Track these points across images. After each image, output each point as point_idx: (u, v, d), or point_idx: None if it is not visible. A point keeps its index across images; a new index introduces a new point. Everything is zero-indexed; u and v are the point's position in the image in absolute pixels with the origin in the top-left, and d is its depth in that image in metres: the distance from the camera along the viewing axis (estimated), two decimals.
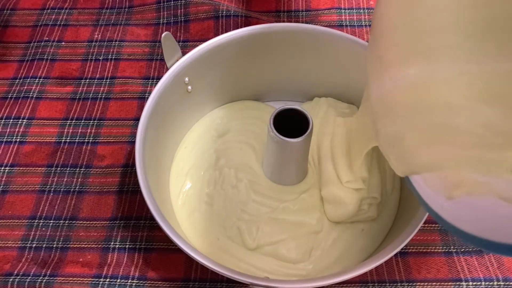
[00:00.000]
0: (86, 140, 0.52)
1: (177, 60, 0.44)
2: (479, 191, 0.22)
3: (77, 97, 0.55)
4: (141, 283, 0.42)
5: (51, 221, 0.46)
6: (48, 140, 0.52)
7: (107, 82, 0.56)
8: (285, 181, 0.45)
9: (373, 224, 0.43)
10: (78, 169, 0.50)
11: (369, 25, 0.59)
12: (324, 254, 0.42)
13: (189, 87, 0.46)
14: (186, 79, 0.45)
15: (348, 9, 0.61)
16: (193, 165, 0.47)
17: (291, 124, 0.40)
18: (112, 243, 0.45)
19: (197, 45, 0.45)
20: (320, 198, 0.44)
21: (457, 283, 0.42)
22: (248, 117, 0.51)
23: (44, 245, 0.45)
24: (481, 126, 0.21)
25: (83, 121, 0.53)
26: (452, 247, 0.44)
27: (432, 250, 0.44)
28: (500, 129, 0.20)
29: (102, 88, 0.56)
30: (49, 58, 0.58)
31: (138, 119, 0.41)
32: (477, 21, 0.19)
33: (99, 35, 0.61)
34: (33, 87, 0.56)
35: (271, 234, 0.42)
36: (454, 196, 0.24)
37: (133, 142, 0.50)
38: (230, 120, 0.51)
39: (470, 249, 0.43)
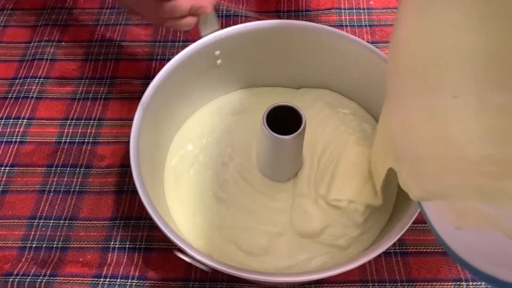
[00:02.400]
0: (86, 140, 0.52)
1: (213, 32, 0.45)
2: (486, 225, 0.22)
3: (77, 97, 0.55)
4: (141, 283, 0.42)
5: (51, 221, 0.46)
6: (48, 140, 0.52)
7: (107, 82, 0.56)
8: (272, 176, 0.45)
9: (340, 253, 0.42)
10: (78, 169, 0.50)
11: (369, 25, 0.59)
12: (279, 256, 0.42)
13: (219, 61, 0.47)
14: (217, 52, 0.46)
15: (348, 9, 0.61)
16: (199, 133, 0.49)
17: (286, 121, 0.40)
18: (112, 243, 0.45)
19: None
20: (315, 203, 0.43)
21: (457, 283, 0.42)
22: (264, 102, 0.50)
23: (44, 245, 0.45)
24: (482, 157, 0.21)
25: (83, 121, 0.53)
26: None
27: (432, 250, 0.43)
28: (498, 159, 0.20)
29: (102, 88, 0.56)
30: (49, 58, 0.58)
31: None
32: (488, 63, 0.20)
33: (99, 35, 0.61)
34: (33, 87, 0.56)
35: (237, 219, 0.43)
36: (462, 226, 0.24)
37: None
38: (247, 102, 0.51)
39: None
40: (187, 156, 0.47)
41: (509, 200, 0.19)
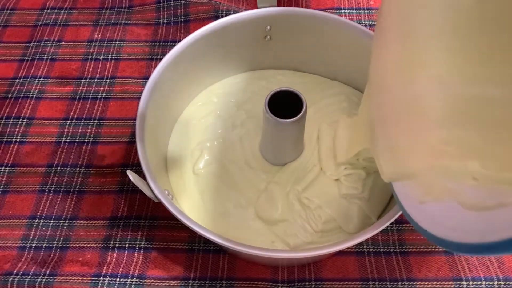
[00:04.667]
0: (86, 140, 0.52)
1: (269, 7, 0.45)
2: (445, 197, 0.25)
3: (77, 97, 0.55)
4: (140, 281, 0.42)
5: (51, 221, 0.46)
6: (48, 140, 0.52)
7: (107, 82, 0.56)
8: (272, 160, 0.46)
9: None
10: (78, 169, 0.50)
11: (369, 25, 0.59)
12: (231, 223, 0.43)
13: (268, 36, 0.48)
14: (268, 27, 0.47)
15: (348, 9, 0.61)
16: (230, 91, 0.51)
17: (289, 105, 0.40)
18: (111, 242, 0.45)
19: None
20: (286, 194, 0.44)
21: (458, 282, 0.42)
22: (297, 82, 0.52)
23: (44, 245, 0.45)
24: (443, 140, 0.24)
25: (83, 121, 0.53)
26: None
27: (433, 250, 0.43)
28: (456, 141, 0.23)
29: (102, 88, 0.56)
30: (49, 58, 0.58)
31: None
32: (473, 51, 0.22)
33: (99, 35, 0.61)
34: (33, 87, 0.56)
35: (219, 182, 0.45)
36: (425, 200, 0.28)
37: (133, 142, 0.50)
38: (280, 81, 0.52)
39: None
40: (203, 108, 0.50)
41: (468, 178, 0.22)
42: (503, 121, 0.20)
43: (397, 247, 0.44)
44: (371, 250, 0.44)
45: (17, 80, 0.57)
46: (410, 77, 0.28)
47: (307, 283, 0.42)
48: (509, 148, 0.20)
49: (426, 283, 0.42)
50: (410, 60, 0.28)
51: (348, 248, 0.42)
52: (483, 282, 0.41)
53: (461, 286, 0.41)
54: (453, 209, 0.24)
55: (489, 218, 0.21)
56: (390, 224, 0.37)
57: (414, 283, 0.42)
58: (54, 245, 0.45)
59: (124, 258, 0.44)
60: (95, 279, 0.43)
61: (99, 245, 0.45)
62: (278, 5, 0.46)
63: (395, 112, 0.31)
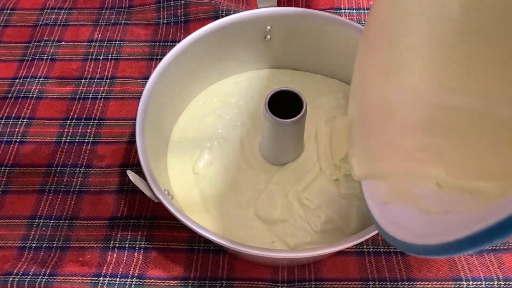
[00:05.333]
0: (86, 140, 0.52)
1: (269, 7, 0.45)
2: (407, 201, 0.26)
3: (77, 97, 0.55)
4: (140, 281, 0.42)
5: (51, 221, 0.46)
6: (48, 140, 0.52)
7: (107, 82, 0.56)
8: (272, 160, 0.46)
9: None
10: (78, 169, 0.50)
11: None
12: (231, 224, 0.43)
13: (268, 36, 0.48)
14: (268, 27, 0.47)
15: (348, 9, 0.61)
16: (230, 91, 0.51)
17: (289, 105, 0.40)
18: (111, 242, 0.45)
19: None
20: (285, 194, 0.44)
21: (458, 282, 0.42)
22: (297, 81, 0.52)
23: (44, 245, 0.45)
24: (414, 146, 0.26)
25: (83, 121, 0.53)
26: None
27: None
28: (424, 146, 0.24)
29: (102, 88, 0.56)
30: (49, 58, 0.59)
31: None
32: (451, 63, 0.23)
33: (99, 35, 0.61)
34: (33, 87, 0.56)
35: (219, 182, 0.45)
36: (388, 202, 0.29)
37: (133, 142, 0.50)
38: (280, 80, 0.52)
39: None
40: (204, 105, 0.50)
41: (430, 182, 0.23)
42: (471, 132, 0.21)
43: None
44: (371, 250, 0.44)
45: (17, 80, 0.57)
46: (387, 83, 0.30)
47: (307, 283, 0.42)
48: (473, 158, 0.21)
49: (426, 283, 0.42)
50: (389, 66, 0.30)
51: (348, 248, 0.42)
52: (483, 282, 0.41)
53: (461, 286, 0.41)
54: (409, 211, 0.25)
55: (434, 223, 0.22)
56: None
57: (414, 283, 0.42)
58: (54, 245, 0.45)
59: (124, 258, 0.44)
60: (95, 279, 0.42)
61: (99, 245, 0.45)
62: (278, 5, 0.46)
63: (371, 115, 0.33)
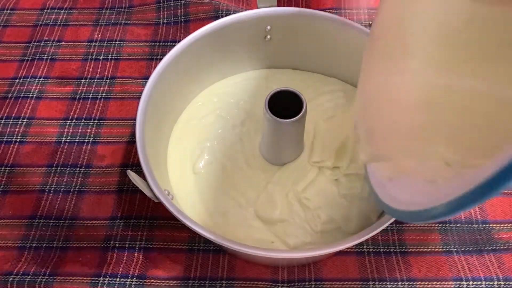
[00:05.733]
0: (86, 140, 0.52)
1: (269, 7, 0.45)
2: (411, 174, 0.27)
3: (77, 97, 0.55)
4: (140, 281, 0.42)
5: (51, 221, 0.46)
6: (48, 140, 0.52)
7: (107, 82, 0.56)
8: (272, 160, 0.46)
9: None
10: (78, 169, 0.50)
11: (370, 25, 0.59)
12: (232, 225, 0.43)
13: (268, 36, 0.48)
14: (268, 27, 0.47)
15: (348, 9, 0.61)
16: (230, 91, 0.51)
17: (289, 105, 0.40)
18: (111, 242, 0.45)
19: None
20: (285, 194, 0.44)
21: (458, 282, 0.42)
22: (297, 80, 0.52)
23: (44, 245, 0.45)
24: (420, 125, 0.27)
25: (83, 121, 0.53)
26: (452, 247, 0.43)
27: (433, 250, 0.43)
28: (435, 129, 0.25)
29: (102, 88, 0.56)
30: (49, 58, 0.59)
31: None
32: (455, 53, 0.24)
33: (99, 35, 0.61)
34: (33, 87, 0.56)
35: (219, 180, 0.46)
36: (393, 177, 0.30)
37: (133, 142, 0.50)
38: (280, 79, 0.52)
39: (470, 249, 0.43)
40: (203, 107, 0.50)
41: (433, 158, 0.24)
42: (471, 109, 0.22)
43: (397, 247, 0.44)
44: (371, 250, 0.44)
45: (17, 80, 0.57)
46: (392, 67, 0.31)
47: (307, 283, 0.42)
48: (472, 135, 0.22)
49: (426, 283, 0.42)
50: (394, 54, 0.31)
51: (348, 248, 0.42)
52: (483, 282, 0.41)
53: (461, 286, 0.41)
54: (410, 185, 0.27)
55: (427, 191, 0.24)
56: (390, 224, 0.37)
57: (414, 283, 0.42)
58: (54, 245, 0.45)
59: (124, 258, 0.44)
60: (95, 279, 0.42)
61: (99, 245, 0.45)
62: (278, 5, 0.46)
63: (376, 101, 0.34)
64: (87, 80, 0.57)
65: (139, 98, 0.41)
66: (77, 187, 0.48)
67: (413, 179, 0.27)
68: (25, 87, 0.56)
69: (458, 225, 0.45)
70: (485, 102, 0.21)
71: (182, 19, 0.61)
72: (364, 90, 0.36)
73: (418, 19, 0.28)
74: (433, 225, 0.45)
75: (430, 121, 0.25)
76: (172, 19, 0.61)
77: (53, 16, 0.63)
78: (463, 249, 0.43)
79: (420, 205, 0.23)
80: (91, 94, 0.55)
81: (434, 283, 0.42)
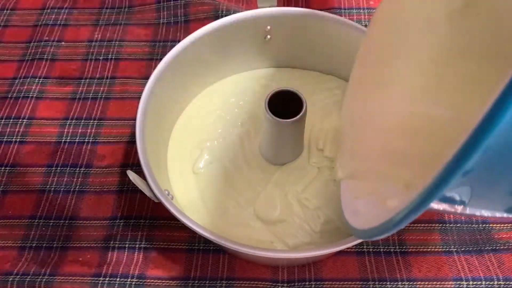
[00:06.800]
0: (86, 140, 0.52)
1: (269, 7, 0.45)
2: (373, 196, 0.28)
3: (77, 97, 0.55)
4: (140, 281, 0.42)
5: (51, 221, 0.46)
6: (48, 140, 0.52)
7: (107, 82, 0.56)
8: (271, 160, 0.46)
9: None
10: (78, 169, 0.50)
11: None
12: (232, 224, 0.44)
13: (268, 36, 0.48)
14: (268, 27, 0.47)
15: (348, 9, 0.61)
16: (229, 91, 0.51)
17: (289, 105, 0.40)
18: (112, 242, 0.45)
19: None
20: (284, 194, 0.44)
21: (458, 282, 0.42)
22: (295, 79, 0.53)
23: (44, 245, 0.45)
24: (388, 150, 0.28)
25: (83, 121, 0.53)
26: (452, 247, 0.43)
27: (433, 249, 0.43)
28: (404, 153, 0.26)
29: (102, 88, 0.56)
30: (49, 58, 0.58)
31: None
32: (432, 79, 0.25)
33: (99, 35, 0.61)
34: (33, 87, 0.56)
35: (218, 181, 0.45)
36: (359, 197, 0.31)
37: (133, 142, 0.50)
38: (279, 78, 0.52)
39: (470, 249, 0.43)
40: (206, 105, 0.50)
41: (396, 181, 0.25)
42: (436, 138, 0.23)
43: (397, 247, 0.44)
44: (371, 250, 0.44)
45: (17, 80, 0.57)
46: (374, 92, 0.32)
47: (307, 283, 0.42)
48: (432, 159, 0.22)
49: (426, 283, 0.42)
50: (379, 79, 0.32)
51: (348, 248, 0.42)
52: (483, 282, 0.41)
53: (461, 286, 0.41)
54: (370, 205, 0.28)
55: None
56: None
57: (414, 283, 0.42)
58: (54, 245, 0.45)
59: (124, 258, 0.44)
60: (95, 279, 0.43)
61: (99, 245, 0.45)
62: (278, 5, 0.46)
63: (358, 122, 0.35)
64: (87, 80, 0.57)
65: (139, 98, 0.41)
66: (77, 187, 0.48)
67: (371, 199, 0.28)
68: (25, 87, 0.56)
69: (458, 225, 0.45)
70: (450, 128, 0.21)
71: (182, 19, 0.61)
72: (350, 108, 0.38)
73: (406, 46, 0.29)
74: (433, 225, 0.45)
75: (403, 147, 0.26)
76: (172, 19, 0.61)
77: (53, 16, 0.63)
78: (463, 249, 0.43)
79: (365, 224, 0.24)
80: (91, 94, 0.55)
81: (434, 283, 0.42)
